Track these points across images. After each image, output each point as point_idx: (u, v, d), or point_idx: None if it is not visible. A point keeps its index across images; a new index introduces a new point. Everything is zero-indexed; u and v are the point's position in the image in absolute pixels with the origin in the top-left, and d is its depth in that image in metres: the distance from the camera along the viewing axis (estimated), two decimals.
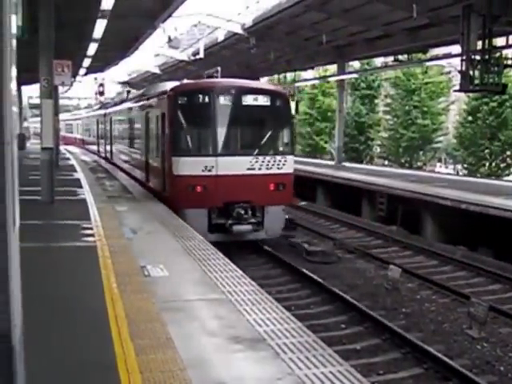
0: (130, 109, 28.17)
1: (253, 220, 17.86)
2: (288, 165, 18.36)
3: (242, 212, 17.57)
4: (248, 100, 18.17)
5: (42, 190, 17.42)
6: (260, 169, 17.93)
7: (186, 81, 23.86)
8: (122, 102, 35.17)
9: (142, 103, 24.46)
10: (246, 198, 17.69)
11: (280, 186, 18.20)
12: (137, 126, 25.42)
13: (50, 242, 11.86)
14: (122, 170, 29.44)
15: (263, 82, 36.84)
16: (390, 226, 22.49)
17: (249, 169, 17.80)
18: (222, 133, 17.88)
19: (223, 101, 17.93)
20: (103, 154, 40.18)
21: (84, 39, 25.90)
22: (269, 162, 18.04)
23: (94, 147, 46.69)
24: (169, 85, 20.84)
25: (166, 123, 18.54)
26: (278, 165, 18.16)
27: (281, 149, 18.69)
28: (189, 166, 17.50)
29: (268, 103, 18.33)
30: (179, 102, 18.07)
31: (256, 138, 18.85)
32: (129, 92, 37.74)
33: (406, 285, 14.73)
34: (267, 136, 18.79)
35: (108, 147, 37.48)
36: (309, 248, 18.18)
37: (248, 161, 17.85)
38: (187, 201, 17.38)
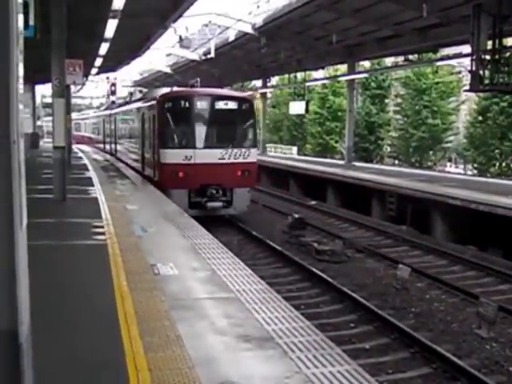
0: (130, 110, 33.16)
1: (223, 199, 22.41)
2: (252, 155, 23.01)
3: (215, 192, 22.16)
4: (220, 105, 22.77)
5: (55, 188, 17.55)
6: (229, 158, 22.43)
7: (175, 88, 28.88)
8: (125, 104, 40.31)
9: (139, 106, 29.51)
10: (217, 181, 22.27)
11: (245, 173, 22.82)
12: (135, 125, 30.25)
13: (61, 240, 11.91)
14: (124, 162, 33.78)
15: (232, 91, 41.93)
16: (399, 225, 22.46)
17: (220, 158, 22.25)
18: (199, 130, 22.46)
19: (200, 105, 22.61)
20: (109, 150, 44.57)
21: (95, 39, 25.99)
22: (236, 153, 22.57)
23: (101, 144, 50.81)
24: (159, 92, 26.66)
25: (156, 123, 23.21)
26: (244, 155, 22.70)
27: (246, 143, 23.19)
28: (173, 156, 22.03)
29: (236, 107, 22.96)
30: (166, 106, 22.51)
31: (226, 134, 23.18)
32: (131, 95, 43.00)
33: (416, 284, 14.71)
34: (235, 133, 23.46)
35: (113, 145, 42.20)
36: (318, 247, 18.17)
37: (219, 152, 22.32)
38: (172, 183, 21.81)
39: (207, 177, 21.90)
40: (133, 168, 29.35)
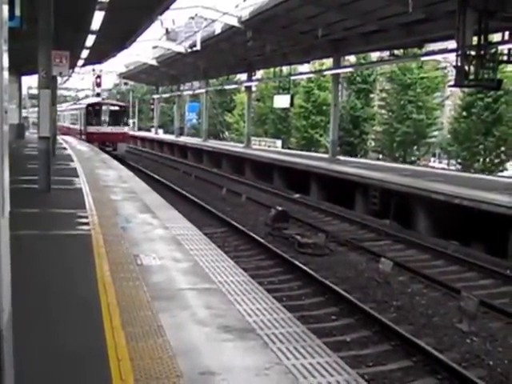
0: (76, 109, 58.64)
1: (112, 146, 45.70)
2: (125, 129, 49.84)
3: (109, 144, 45.53)
4: (112, 108, 48.95)
5: (39, 178, 17.45)
6: (115, 130, 47.16)
7: (97, 99, 57.68)
8: (74, 104, 71.01)
9: (79, 106, 55.83)
10: (110, 140, 46.31)
11: (122, 136, 47.88)
12: (78, 116, 54.43)
13: (45, 230, 11.90)
14: (73, 136, 54.86)
15: (117, 101, 66.73)
16: (382, 219, 22.52)
17: (111, 129, 47.07)
18: (103, 118, 47.59)
19: (104, 108, 48.33)
20: (66, 131, 64.96)
21: (82, 30, 25.89)
22: (118, 128, 47.53)
23: (60, 128, 69.14)
24: (87, 101, 59.43)
25: (86, 115, 48.20)
26: (122, 129, 48.25)
27: (122, 124, 48.69)
28: (92, 129, 47.28)
29: (118, 109, 49.61)
30: (89, 108, 48.67)
31: (113, 120, 47.73)
32: (78, 99, 74.01)
33: (398, 278, 14.71)
34: (117, 120, 48.01)
35: (68, 127, 65.38)
36: (301, 240, 18.19)
37: (111, 127, 47.26)
38: (92, 141, 45.12)
39: (106, 138, 46.20)
40: (77, 138, 51.64)
